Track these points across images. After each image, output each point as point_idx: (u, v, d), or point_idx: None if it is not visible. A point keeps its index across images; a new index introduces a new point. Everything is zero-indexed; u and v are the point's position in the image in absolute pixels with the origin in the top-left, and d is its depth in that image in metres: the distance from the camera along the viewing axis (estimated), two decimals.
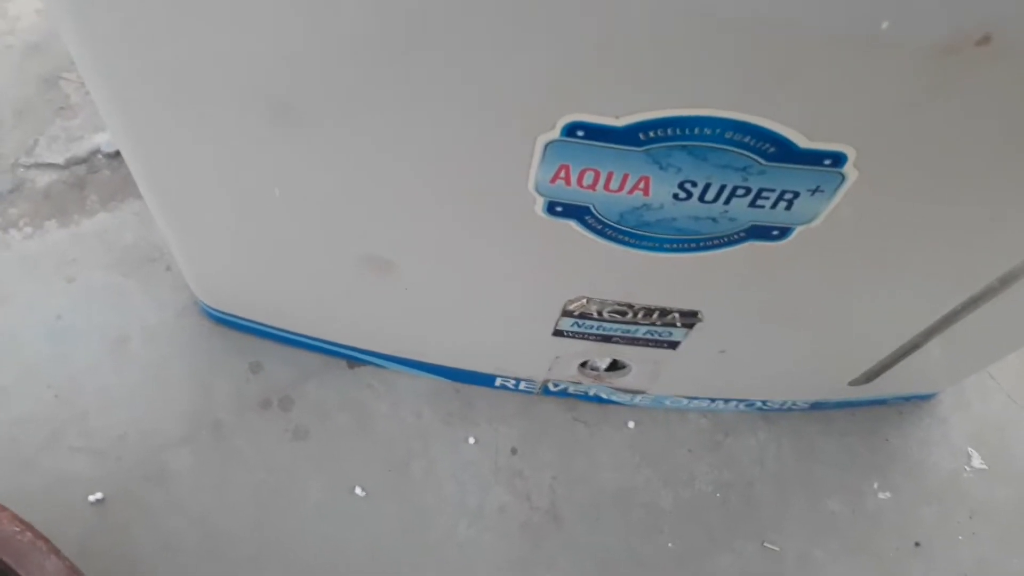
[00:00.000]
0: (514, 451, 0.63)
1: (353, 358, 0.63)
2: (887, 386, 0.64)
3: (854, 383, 0.62)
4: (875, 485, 0.66)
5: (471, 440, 0.62)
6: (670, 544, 0.61)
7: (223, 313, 0.62)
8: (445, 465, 0.61)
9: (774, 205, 0.38)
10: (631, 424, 0.65)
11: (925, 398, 0.70)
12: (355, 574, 0.56)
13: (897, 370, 0.59)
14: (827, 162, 0.35)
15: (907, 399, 0.69)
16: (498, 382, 0.63)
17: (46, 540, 0.45)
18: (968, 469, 0.68)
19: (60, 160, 0.68)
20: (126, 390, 0.60)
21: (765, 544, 0.62)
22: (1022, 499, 0.67)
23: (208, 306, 0.62)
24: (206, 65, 0.35)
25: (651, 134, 0.35)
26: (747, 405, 0.66)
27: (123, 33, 0.34)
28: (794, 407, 0.67)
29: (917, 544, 0.63)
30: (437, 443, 0.62)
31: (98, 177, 0.68)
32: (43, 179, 0.68)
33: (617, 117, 0.34)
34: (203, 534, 0.56)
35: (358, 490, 0.59)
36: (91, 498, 0.56)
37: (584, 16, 0.29)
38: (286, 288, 0.55)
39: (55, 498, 0.55)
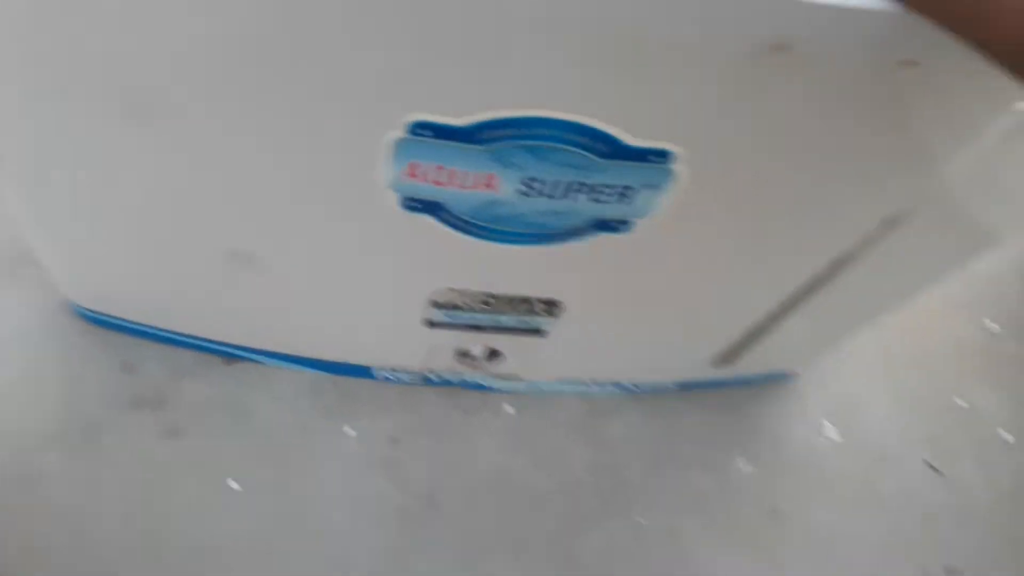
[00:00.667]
0: (394, 441, 0.64)
1: (229, 354, 0.63)
2: (748, 366, 0.68)
3: (715, 363, 0.66)
4: (738, 459, 0.70)
5: (351, 432, 0.63)
6: (545, 524, 0.63)
7: (95, 312, 0.61)
8: (324, 458, 0.62)
9: (616, 200, 0.41)
10: (510, 410, 0.68)
11: (787, 378, 0.75)
12: (231, 565, 0.56)
13: (755, 351, 0.64)
14: (654, 158, 0.38)
15: (769, 378, 0.74)
16: (377, 374, 0.64)
17: None
18: (823, 439, 0.73)
19: None
20: None
21: (636, 519, 0.65)
22: (870, 468, 0.72)
23: (79, 306, 0.61)
24: (59, 58, 0.35)
25: (492, 133, 0.37)
26: (618, 387, 0.69)
27: None
28: (663, 388, 0.70)
29: (774, 511, 0.68)
30: (316, 436, 0.62)
31: None
32: None
33: (459, 117, 0.36)
34: (74, 534, 0.55)
35: (234, 484, 0.59)
36: None
37: (417, 19, 0.31)
38: (155, 286, 0.55)
39: None
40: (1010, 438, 0.76)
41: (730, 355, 0.64)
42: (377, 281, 0.50)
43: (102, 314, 0.61)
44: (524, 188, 0.40)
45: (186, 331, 0.61)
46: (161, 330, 0.61)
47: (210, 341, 0.62)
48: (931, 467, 0.73)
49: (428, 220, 0.43)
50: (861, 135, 0.38)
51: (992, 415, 0.77)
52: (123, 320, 0.61)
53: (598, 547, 0.64)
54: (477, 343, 0.59)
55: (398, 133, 0.36)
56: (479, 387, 0.67)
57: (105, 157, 0.41)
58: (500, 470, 0.65)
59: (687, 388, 0.71)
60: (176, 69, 0.34)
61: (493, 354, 0.62)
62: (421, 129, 0.36)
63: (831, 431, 0.73)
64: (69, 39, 0.33)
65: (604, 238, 0.44)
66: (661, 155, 0.38)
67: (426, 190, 0.40)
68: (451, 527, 0.62)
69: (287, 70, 0.34)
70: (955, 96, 0.35)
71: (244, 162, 0.40)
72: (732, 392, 0.73)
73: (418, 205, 0.42)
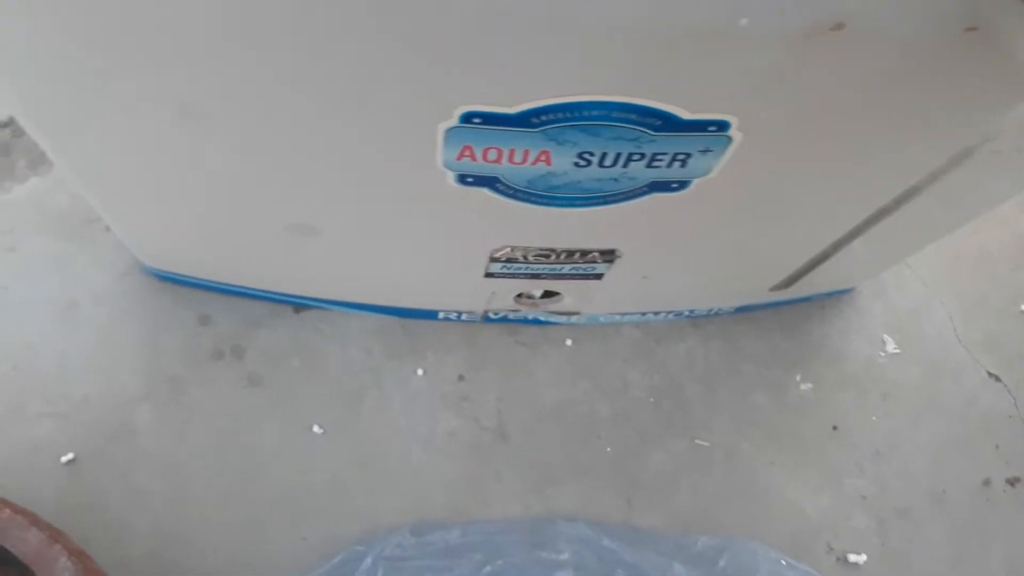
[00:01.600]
0: (461, 378, 0.67)
1: (299, 303, 0.66)
2: (807, 287, 0.68)
3: (774, 289, 0.66)
4: (797, 377, 0.71)
5: (419, 372, 0.66)
6: (608, 448, 0.66)
7: (165, 272, 0.63)
8: (396, 397, 0.65)
9: (669, 165, 0.41)
10: (569, 342, 0.69)
11: (846, 292, 0.75)
12: (317, 505, 0.60)
13: (814, 275, 0.64)
14: (712, 128, 0.37)
15: (828, 295, 0.74)
16: (441, 315, 0.66)
17: (25, 512, 0.48)
18: (883, 355, 0.73)
19: None
20: (82, 354, 0.63)
21: (696, 441, 0.67)
22: (930, 377, 0.73)
23: (150, 266, 0.64)
24: (123, 75, 0.36)
25: (543, 118, 0.36)
26: (676, 315, 0.70)
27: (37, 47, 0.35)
28: (721, 312, 0.71)
29: (835, 427, 0.70)
30: (387, 377, 0.65)
31: (23, 141, 0.68)
32: None
33: (510, 106, 0.36)
34: (170, 482, 0.60)
35: (315, 428, 0.63)
36: (63, 459, 0.59)
37: (469, 22, 0.31)
38: (221, 251, 0.57)
39: (28, 464, 0.59)
40: None
41: (790, 282, 0.64)
42: (438, 245, 0.51)
43: (173, 273, 0.63)
44: (579, 160, 0.40)
45: (256, 286, 0.63)
46: (231, 285, 0.64)
47: (279, 293, 0.64)
48: (992, 375, 0.73)
49: (485, 192, 0.43)
50: (920, 96, 0.36)
51: None
52: (193, 278, 0.63)
53: (659, 469, 0.66)
54: (536, 288, 0.60)
55: (450, 123, 0.37)
56: (538, 322, 0.68)
57: (167, 151, 0.42)
58: (563, 399, 0.68)
59: (744, 310, 0.71)
60: (238, 80, 0.35)
61: (550, 294, 0.63)
62: (472, 118, 0.36)
63: (891, 344, 0.74)
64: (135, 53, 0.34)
65: (660, 197, 0.44)
66: (719, 125, 0.37)
67: (480, 168, 0.41)
68: (519, 456, 0.65)
69: (346, 76, 0.34)
70: (1016, 52, 0.34)
71: (306, 158, 0.40)
72: (792, 311, 0.73)
73: (474, 180, 0.42)
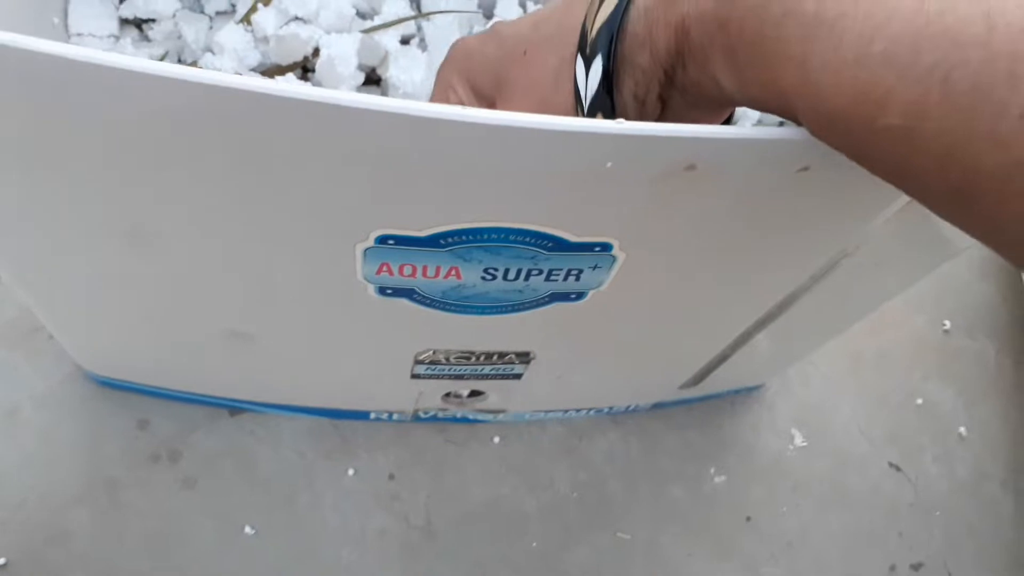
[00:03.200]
0: (391, 476, 0.69)
1: (234, 407, 0.69)
2: (715, 384, 0.73)
3: (684, 387, 0.71)
4: (711, 470, 0.75)
5: (351, 471, 0.69)
6: (534, 544, 0.69)
7: (106, 377, 0.66)
8: (328, 497, 0.67)
9: (565, 279, 0.46)
10: (496, 439, 0.73)
11: (754, 389, 0.80)
12: None
13: (718, 374, 0.69)
14: (597, 248, 0.43)
15: (738, 391, 0.79)
16: (372, 415, 0.70)
17: None
18: (792, 448, 0.78)
19: None
20: (20, 459, 0.64)
21: (617, 534, 0.71)
22: (836, 469, 0.78)
23: (91, 372, 0.66)
24: (71, 205, 0.40)
25: (450, 240, 0.41)
26: (596, 412, 0.74)
27: None
28: (638, 409, 0.76)
29: (748, 519, 0.74)
30: (319, 477, 0.68)
31: None
32: None
33: (420, 230, 0.41)
34: None
35: (247, 529, 0.65)
36: None
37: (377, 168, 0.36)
38: (160, 359, 0.60)
39: None
40: (964, 432, 0.81)
41: (696, 380, 0.69)
42: (365, 349, 0.56)
43: (114, 378, 0.66)
44: (485, 275, 0.45)
45: (193, 390, 0.66)
46: (170, 390, 0.67)
47: (216, 397, 0.67)
48: (893, 466, 0.79)
49: (404, 302, 0.48)
50: (773, 222, 0.42)
51: (948, 411, 0.83)
52: (134, 383, 0.66)
53: (584, 561, 0.69)
54: (461, 388, 0.65)
55: (367, 244, 0.41)
56: (466, 420, 0.72)
57: (109, 269, 0.46)
58: (491, 496, 0.71)
59: (661, 407, 0.76)
60: (174, 213, 0.39)
61: (475, 393, 0.67)
62: (387, 239, 0.41)
63: (799, 437, 0.79)
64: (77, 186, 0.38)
65: (562, 306, 0.49)
66: (602, 246, 0.43)
67: (397, 281, 0.45)
68: (449, 554, 0.67)
69: (269, 207, 0.39)
70: (847, 188, 0.40)
71: (237, 272, 0.45)
72: (704, 407, 0.78)
73: (392, 291, 0.47)
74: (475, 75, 0.46)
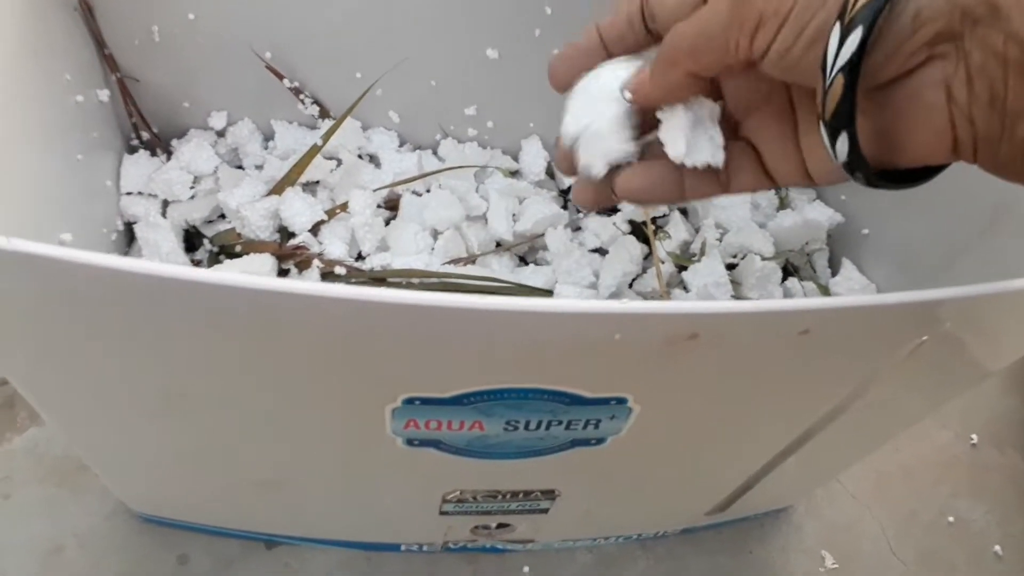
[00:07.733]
0: None
1: (271, 540, 0.71)
2: (743, 508, 0.73)
3: (710, 514, 0.72)
4: None
5: None
6: None
7: (148, 515, 0.69)
8: None
9: (584, 427, 0.48)
10: (526, 569, 0.74)
11: (782, 509, 0.80)
12: None
13: (744, 500, 0.70)
14: (613, 402, 0.45)
15: (766, 514, 0.79)
16: (403, 547, 0.71)
17: None
18: (822, 570, 0.78)
19: None
20: None
21: None
22: None
23: (134, 509, 0.69)
24: (114, 378, 0.44)
25: (472, 399, 0.44)
26: (624, 539, 0.75)
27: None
28: (667, 534, 0.76)
29: None
30: None
31: None
32: None
33: (443, 392, 0.43)
34: None
35: None
36: None
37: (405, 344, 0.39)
38: (198, 500, 0.62)
39: None
40: (999, 550, 0.80)
41: (721, 508, 0.70)
42: (394, 492, 0.58)
43: (155, 516, 0.69)
44: (507, 427, 0.47)
45: (231, 526, 0.68)
46: (209, 526, 0.69)
47: (253, 532, 0.69)
48: None
49: (431, 451, 0.50)
50: (781, 376, 0.45)
51: (981, 528, 0.82)
52: (174, 520, 0.69)
53: None
54: (489, 521, 0.66)
55: (394, 405, 0.44)
56: (496, 550, 0.73)
57: (148, 427, 0.49)
58: None
59: (690, 532, 0.77)
60: (214, 389, 0.42)
61: (503, 525, 0.68)
62: (413, 400, 0.44)
63: (829, 559, 0.78)
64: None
65: (583, 450, 0.51)
66: (618, 400, 0.45)
67: (424, 434, 0.48)
68: None
69: (300, 380, 0.42)
70: (848, 343, 0.42)
71: (271, 434, 0.48)
72: (733, 530, 0.78)
73: (419, 443, 0.49)
74: None
